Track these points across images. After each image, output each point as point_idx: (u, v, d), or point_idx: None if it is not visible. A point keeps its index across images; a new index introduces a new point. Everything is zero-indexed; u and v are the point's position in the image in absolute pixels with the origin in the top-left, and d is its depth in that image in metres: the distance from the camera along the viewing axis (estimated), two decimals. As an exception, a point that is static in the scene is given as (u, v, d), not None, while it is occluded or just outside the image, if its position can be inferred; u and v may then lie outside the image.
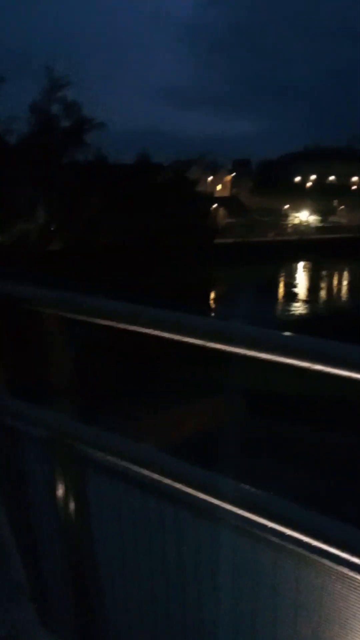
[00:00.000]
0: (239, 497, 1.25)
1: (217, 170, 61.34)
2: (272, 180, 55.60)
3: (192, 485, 1.31)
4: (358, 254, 32.74)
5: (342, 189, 56.64)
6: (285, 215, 55.91)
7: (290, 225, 54.22)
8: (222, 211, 52.93)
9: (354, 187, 56.94)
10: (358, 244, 35.04)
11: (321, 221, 54.47)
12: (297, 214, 56.39)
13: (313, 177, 59.63)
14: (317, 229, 52.26)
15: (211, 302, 28.84)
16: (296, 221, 55.25)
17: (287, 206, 56.45)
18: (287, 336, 1.14)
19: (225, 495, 1.26)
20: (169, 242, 22.72)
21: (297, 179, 59.87)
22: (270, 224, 51.04)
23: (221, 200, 54.88)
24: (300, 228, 53.16)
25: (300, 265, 43.52)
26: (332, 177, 59.58)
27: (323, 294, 37.23)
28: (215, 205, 52.11)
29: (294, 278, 41.25)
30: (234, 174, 61.83)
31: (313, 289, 37.42)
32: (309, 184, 59.30)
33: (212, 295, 31.18)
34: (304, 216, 56.02)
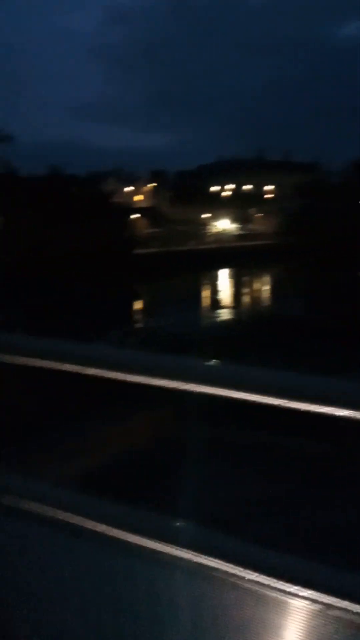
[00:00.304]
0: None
1: (135, 181, 61.47)
2: (189, 190, 56.56)
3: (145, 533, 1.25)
4: (275, 259, 33.74)
5: (256, 198, 58.79)
6: (205, 225, 56.96)
7: (210, 233, 55.25)
8: (142, 222, 52.93)
9: (268, 196, 59.20)
10: (274, 249, 36.19)
11: (239, 229, 56.01)
12: (216, 223, 57.62)
13: (228, 187, 61.37)
14: (236, 237, 53.64)
15: (133, 313, 28.28)
16: (216, 230, 56.41)
17: (205, 215, 57.53)
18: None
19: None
20: (85, 254, 21.94)
21: (214, 189, 61.37)
22: (191, 233, 51.70)
23: (141, 211, 54.91)
24: (220, 236, 54.30)
25: (222, 272, 44.32)
26: (246, 187, 61.64)
27: (246, 299, 38.03)
28: (135, 216, 51.99)
29: (216, 285, 41.86)
30: (152, 185, 62.25)
31: (236, 295, 38.14)
32: (225, 194, 60.92)
33: (135, 306, 30.66)
34: (223, 225, 57.36)
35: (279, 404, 1.05)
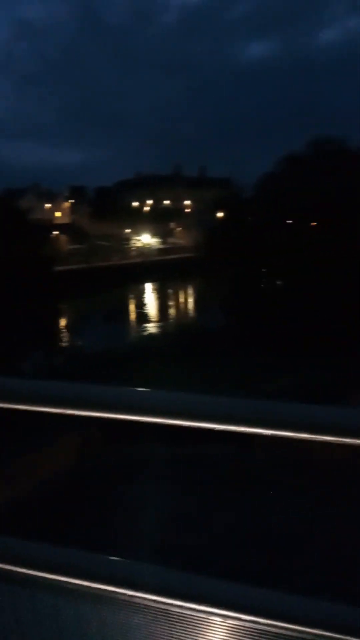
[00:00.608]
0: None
1: (53, 198, 60.50)
2: (109, 206, 56.56)
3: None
4: (196, 272, 34.50)
5: (175, 212, 60.01)
6: (127, 239, 57.14)
7: (132, 248, 55.51)
8: (62, 238, 52.09)
9: (187, 210, 60.60)
10: (195, 262, 37.02)
11: (161, 243, 56.77)
12: (138, 238, 58.01)
13: (148, 202, 62.16)
14: (157, 251, 54.29)
15: (57, 333, 27.62)
16: (138, 244, 56.78)
17: (127, 230, 57.75)
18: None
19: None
20: (1, 273, 21.19)
21: (134, 204, 61.83)
22: (113, 248, 51.63)
23: (61, 228, 54.06)
24: (141, 251, 54.69)
25: (145, 286, 44.57)
26: (165, 202, 62.76)
27: (172, 311, 38.45)
28: (55, 233, 51.07)
29: (142, 299, 42.02)
30: (71, 201, 61.60)
31: (162, 308, 38.46)
32: (145, 209, 61.60)
33: (59, 324, 29.97)
34: (145, 239, 57.87)
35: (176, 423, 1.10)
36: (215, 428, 1.08)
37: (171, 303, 40.68)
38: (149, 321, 33.39)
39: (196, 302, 39.09)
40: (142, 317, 34.88)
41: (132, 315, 36.90)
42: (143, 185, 62.09)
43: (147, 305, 39.75)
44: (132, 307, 39.21)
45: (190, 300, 41.47)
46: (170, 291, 42.92)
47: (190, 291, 42.23)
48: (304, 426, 1.05)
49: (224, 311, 26.50)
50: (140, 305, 39.63)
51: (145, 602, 1.25)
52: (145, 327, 31.35)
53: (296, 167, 24.24)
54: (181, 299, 42.42)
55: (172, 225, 59.30)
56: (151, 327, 31.10)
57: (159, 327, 31.40)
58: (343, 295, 21.74)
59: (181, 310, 39.51)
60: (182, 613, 1.25)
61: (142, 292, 43.75)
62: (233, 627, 1.21)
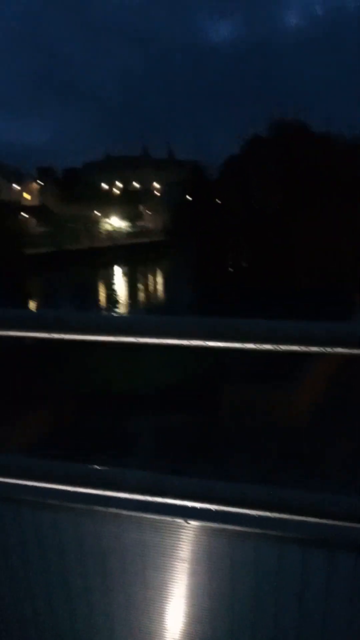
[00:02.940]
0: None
1: (21, 178, 59.18)
2: (79, 187, 55.71)
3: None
4: (166, 254, 34.68)
5: (145, 195, 59.59)
6: (96, 222, 56.57)
7: (102, 231, 55.06)
8: (31, 220, 51.25)
9: (155, 193, 60.29)
10: (163, 245, 37.19)
11: (130, 226, 56.47)
12: (107, 220, 57.51)
13: (118, 184, 61.50)
14: (128, 234, 54.05)
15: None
16: (107, 227, 56.33)
17: (96, 213, 57.14)
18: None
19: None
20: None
21: (103, 186, 61.09)
22: (82, 231, 51.11)
23: (29, 209, 53.12)
24: (112, 234, 54.33)
25: (116, 269, 44.49)
26: (135, 184, 62.21)
27: (141, 294, 38.58)
28: (23, 215, 50.20)
29: (112, 282, 41.95)
30: (40, 182, 60.40)
31: (131, 290, 38.53)
32: (115, 191, 60.97)
33: (26, 306, 29.76)
34: (114, 222, 57.43)
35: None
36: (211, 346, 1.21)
37: (140, 286, 40.78)
38: (116, 303, 33.49)
39: (165, 284, 39.27)
40: (111, 299, 34.93)
41: (102, 297, 36.89)
42: (112, 167, 61.36)
43: (115, 288, 39.77)
44: (101, 289, 39.15)
45: (160, 283, 41.63)
46: (138, 274, 42.96)
47: (159, 273, 42.37)
48: (297, 340, 1.17)
49: (192, 293, 26.82)
50: (110, 287, 39.62)
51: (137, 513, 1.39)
52: (115, 307, 31.47)
53: (259, 149, 24.56)
54: (150, 282, 42.55)
55: (140, 208, 58.99)
56: (118, 309, 31.25)
57: (125, 309, 31.56)
58: (308, 276, 22.34)
59: (149, 292, 39.66)
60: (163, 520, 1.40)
61: (111, 274, 43.66)
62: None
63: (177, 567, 1.42)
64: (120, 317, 1.41)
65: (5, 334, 1.41)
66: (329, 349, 1.16)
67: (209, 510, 1.31)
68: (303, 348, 1.16)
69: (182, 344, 1.25)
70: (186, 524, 1.36)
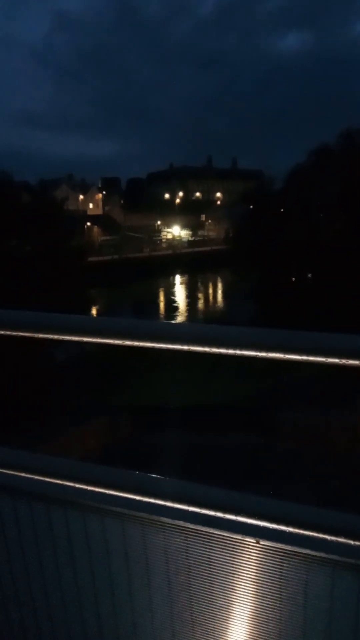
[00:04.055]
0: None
1: (86, 189, 61.27)
2: (142, 197, 56.88)
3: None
4: (226, 263, 34.57)
5: (207, 205, 59.85)
6: (158, 231, 57.46)
7: (163, 240, 55.82)
8: (95, 229, 52.87)
9: (218, 203, 60.42)
10: (225, 254, 37.07)
11: (192, 235, 56.86)
12: (169, 230, 58.25)
13: (180, 194, 62.22)
14: (189, 243, 54.47)
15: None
16: (169, 236, 57.04)
17: (158, 222, 58.05)
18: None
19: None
20: (37, 265, 21.83)
21: (166, 196, 62.01)
22: (144, 240, 52.07)
23: (94, 219, 54.84)
24: (173, 243, 54.97)
25: (177, 278, 44.90)
26: (197, 194, 62.67)
27: (201, 303, 38.68)
28: (88, 224, 51.90)
29: (172, 291, 42.36)
30: (104, 192, 62.25)
31: (191, 299, 38.73)
32: (177, 201, 61.73)
33: (90, 313, 30.63)
34: (176, 231, 58.07)
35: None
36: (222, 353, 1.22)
37: (200, 295, 40.91)
38: (177, 312, 33.75)
39: (225, 294, 39.17)
40: (171, 308, 35.26)
41: (161, 306, 37.33)
42: (175, 177, 62.15)
43: (176, 297, 40.11)
44: (161, 297, 39.63)
45: (220, 292, 41.57)
46: (199, 283, 43.11)
47: (220, 283, 42.34)
48: (307, 350, 1.16)
49: (254, 303, 26.53)
50: (169, 296, 40.01)
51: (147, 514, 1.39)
52: (174, 317, 31.73)
53: (326, 160, 23.99)
54: (210, 291, 42.59)
55: (202, 217, 59.32)
56: (179, 318, 31.47)
57: (187, 317, 31.74)
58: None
59: (210, 302, 39.70)
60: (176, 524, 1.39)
61: (172, 283, 44.11)
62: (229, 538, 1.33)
63: (245, 588, 1.38)
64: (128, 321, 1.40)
65: (7, 333, 1.45)
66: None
67: (282, 532, 1.28)
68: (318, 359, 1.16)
69: (182, 349, 1.26)
70: (256, 544, 1.33)
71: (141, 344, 1.31)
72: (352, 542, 1.22)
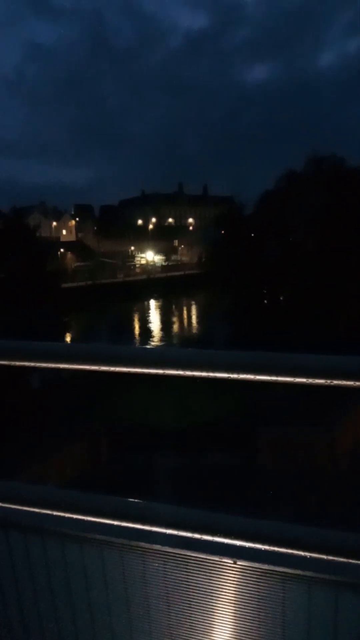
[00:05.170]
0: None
1: (59, 215, 61.44)
2: (115, 224, 57.36)
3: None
4: (200, 287, 34.99)
5: (179, 230, 60.77)
6: (132, 257, 57.85)
7: (137, 265, 56.20)
8: (69, 255, 52.88)
9: (190, 228, 61.43)
10: (198, 278, 37.56)
11: (165, 260, 57.46)
12: (142, 255, 58.73)
13: (153, 220, 63.06)
14: (163, 268, 54.98)
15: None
16: (142, 261, 57.48)
17: (132, 248, 58.52)
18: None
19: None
20: (8, 292, 21.73)
21: (139, 222, 62.72)
22: (118, 266, 52.34)
23: (67, 245, 54.89)
24: (147, 268, 55.39)
25: (151, 302, 45.06)
26: (169, 220, 63.63)
27: (175, 326, 38.80)
28: (61, 250, 51.88)
29: (147, 315, 42.42)
30: (77, 219, 62.53)
31: (166, 323, 38.84)
32: (150, 227, 62.52)
33: (64, 339, 30.35)
34: (149, 256, 58.61)
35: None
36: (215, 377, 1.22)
37: (174, 318, 41.10)
38: (151, 335, 33.79)
39: (200, 317, 39.46)
40: (146, 332, 35.29)
41: (136, 330, 37.32)
42: (147, 204, 63.02)
43: (150, 320, 40.18)
44: (135, 322, 39.64)
45: (194, 315, 41.86)
46: (173, 307, 43.37)
47: (194, 307, 42.67)
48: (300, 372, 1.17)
49: (228, 325, 26.80)
50: (144, 320, 40.06)
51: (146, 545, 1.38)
52: (149, 340, 31.74)
53: (296, 185, 24.85)
54: (185, 314, 42.86)
55: (175, 242, 60.13)
56: (154, 341, 31.51)
57: (161, 340, 31.81)
58: (344, 309, 22.09)
59: (184, 325, 39.91)
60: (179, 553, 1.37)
61: (147, 308, 44.23)
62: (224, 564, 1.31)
63: (225, 610, 1.37)
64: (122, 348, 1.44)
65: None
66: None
67: (259, 550, 1.27)
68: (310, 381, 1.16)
69: (177, 374, 1.27)
70: (234, 564, 1.31)
71: (117, 369, 1.31)
72: (326, 557, 1.22)
